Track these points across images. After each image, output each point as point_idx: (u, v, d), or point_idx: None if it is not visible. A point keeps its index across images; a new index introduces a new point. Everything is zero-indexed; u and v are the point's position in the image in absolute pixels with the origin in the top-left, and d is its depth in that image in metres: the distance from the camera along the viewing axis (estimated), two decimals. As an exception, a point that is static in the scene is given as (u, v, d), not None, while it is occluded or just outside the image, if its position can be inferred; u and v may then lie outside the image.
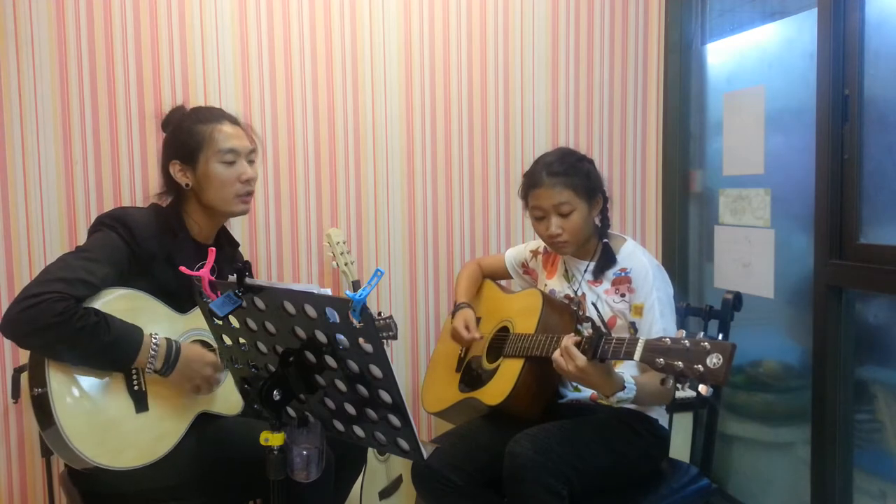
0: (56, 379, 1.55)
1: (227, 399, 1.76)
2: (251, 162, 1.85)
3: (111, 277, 1.64)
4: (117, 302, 1.63)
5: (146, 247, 1.70)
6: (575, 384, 1.94)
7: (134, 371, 1.63)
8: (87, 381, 1.59)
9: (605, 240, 1.93)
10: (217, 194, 1.80)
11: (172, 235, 1.77)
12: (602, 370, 1.61)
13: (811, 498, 2.07)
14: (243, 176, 1.81)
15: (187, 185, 1.81)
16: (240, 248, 2.07)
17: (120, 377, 1.62)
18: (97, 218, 1.75)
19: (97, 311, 1.56)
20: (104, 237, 1.68)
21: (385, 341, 2.33)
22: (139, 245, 1.69)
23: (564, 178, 1.85)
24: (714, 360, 1.38)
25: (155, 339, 1.62)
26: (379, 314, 2.35)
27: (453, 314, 2.11)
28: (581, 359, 1.58)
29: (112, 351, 1.57)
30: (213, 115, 1.84)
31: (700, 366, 1.39)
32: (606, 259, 1.90)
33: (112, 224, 1.70)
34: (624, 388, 1.65)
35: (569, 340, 1.62)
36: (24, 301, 1.50)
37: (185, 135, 1.81)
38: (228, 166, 1.80)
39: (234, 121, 1.85)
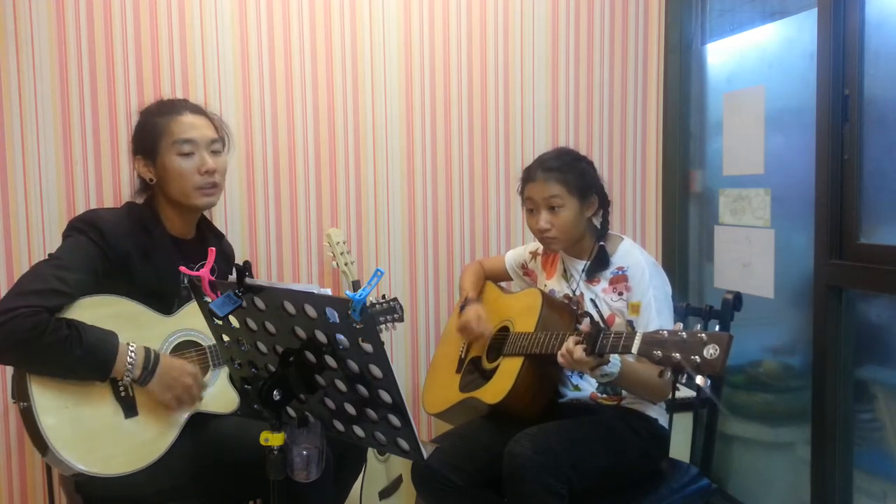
0: (39, 392, 1.53)
1: (221, 397, 1.75)
2: (215, 153, 1.80)
3: (85, 283, 1.61)
4: (99, 309, 1.61)
5: (119, 247, 1.67)
6: (575, 384, 1.94)
7: (118, 379, 1.61)
8: (72, 391, 1.57)
9: (602, 242, 1.93)
10: (177, 187, 1.76)
11: (147, 232, 1.74)
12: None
13: (811, 498, 2.07)
14: (203, 167, 1.76)
15: (151, 179, 1.78)
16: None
17: (106, 384, 1.60)
18: (69, 223, 1.72)
19: (70, 323, 1.53)
20: (74, 242, 1.66)
21: (391, 324, 2.30)
22: (111, 246, 1.66)
23: (558, 173, 1.88)
24: (711, 351, 1.39)
25: (132, 347, 1.59)
26: (383, 297, 2.32)
27: (462, 308, 2.10)
28: (583, 358, 1.59)
29: (86, 363, 1.55)
30: (174, 106, 1.80)
31: (697, 357, 1.40)
32: (599, 261, 1.91)
33: (82, 228, 1.67)
34: (609, 362, 1.64)
35: (579, 351, 1.62)
36: None
37: (145, 128, 1.79)
38: (186, 157, 1.75)
39: (196, 110, 1.81)
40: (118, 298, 1.66)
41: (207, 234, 1.92)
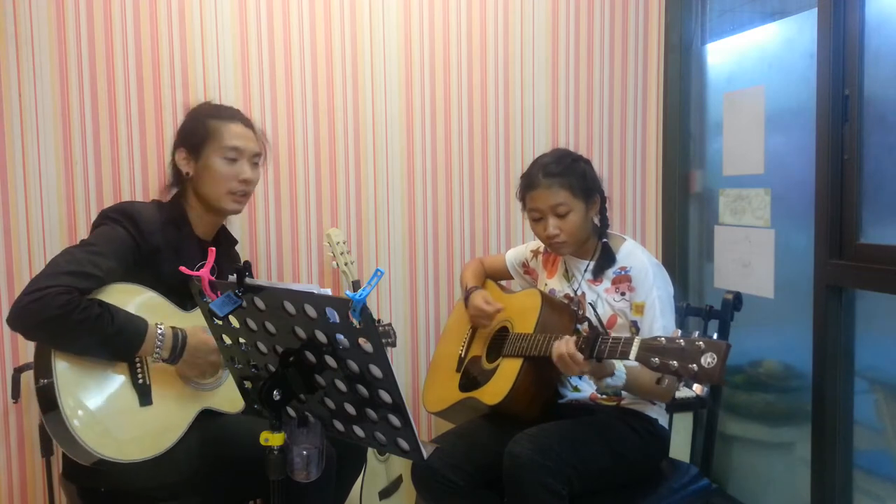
0: (62, 369, 1.56)
1: (230, 396, 1.76)
2: (254, 165, 1.88)
3: (116, 271, 1.65)
4: (123, 297, 1.65)
5: (151, 241, 1.72)
6: (574, 384, 1.94)
7: (139, 364, 1.64)
8: (93, 373, 1.60)
9: (605, 239, 1.93)
10: (211, 188, 1.82)
11: (177, 229, 1.80)
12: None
13: (811, 498, 2.07)
14: (241, 175, 1.83)
15: (188, 173, 1.83)
16: (239, 248, 2.08)
17: (125, 370, 1.64)
18: (102, 211, 1.76)
19: (101, 303, 1.58)
20: (109, 231, 1.69)
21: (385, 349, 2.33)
22: (144, 239, 1.70)
23: (560, 178, 1.86)
24: (708, 360, 1.39)
25: (160, 328, 1.63)
26: (378, 321, 2.35)
27: (466, 297, 2.11)
28: (580, 360, 1.59)
29: (116, 342, 1.59)
30: (230, 113, 1.88)
31: (694, 365, 1.40)
32: (606, 258, 1.91)
33: (117, 218, 1.71)
34: (613, 374, 1.65)
35: (571, 346, 1.62)
36: (31, 294, 1.52)
37: (197, 125, 1.84)
38: (229, 163, 1.82)
39: (247, 124, 1.89)
40: (143, 288, 1.70)
41: (222, 239, 1.97)
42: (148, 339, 1.61)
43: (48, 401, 1.55)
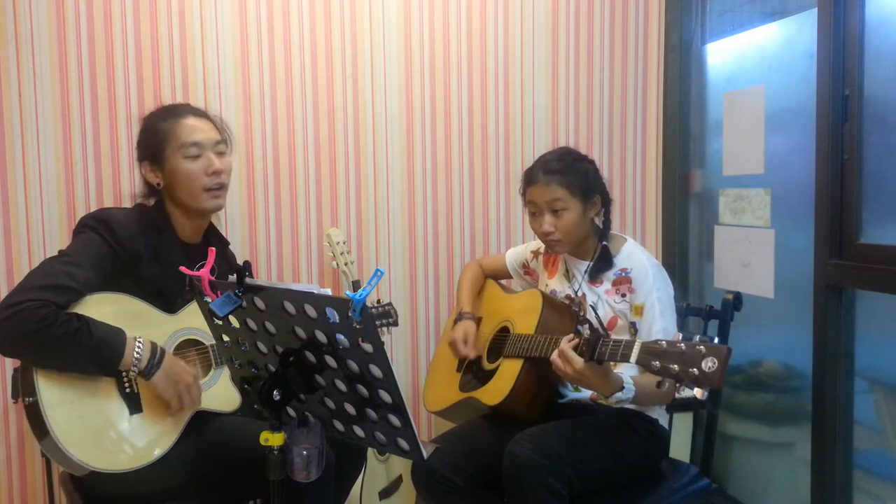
0: (45, 386, 1.54)
1: (223, 395, 1.76)
2: (220, 154, 1.80)
3: (94, 281, 1.62)
4: (104, 306, 1.62)
5: (130, 246, 1.68)
6: (575, 384, 1.94)
7: (124, 372, 1.62)
8: (78, 386, 1.57)
9: (605, 242, 1.93)
10: (185, 190, 1.76)
11: (157, 232, 1.76)
12: (600, 372, 1.61)
13: (811, 498, 2.07)
14: (210, 168, 1.76)
15: (158, 184, 1.78)
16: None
17: (111, 380, 1.61)
18: (80, 219, 1.73)
19: (80, 317, 1.55)
20: (86, 240, 1.66)
21: (386, 329, 2.32)
22: (122, 245, 1.67)
23: (560, 176, 1.86)
24: (709, 364, 1.38)
25: (139, 341, 1.60)
26: (378, 301, 2.34)
27: (455, 322, 2.10)
28: (578, 361, 1.58)
29: (95, 355, 1.55)
30: (177, 110, 1.81)
31: (695, 369, 1.39)
32: (603, 261, 1.90)
33: (94, 225, 1.68)
34: (623, 388, 1.65)
35: (566, 344, 1.62)
36: (5, 311, 1.49)
37: (150, 134, 1.79)
38: (193, 160, 1.75)
39: (198, 114, 1.82)
40: (124, 296, 1.67)
41: (213, 240, 1.93)
42: (127, 351, 1.57)
43: (35, 418, 1.53)
